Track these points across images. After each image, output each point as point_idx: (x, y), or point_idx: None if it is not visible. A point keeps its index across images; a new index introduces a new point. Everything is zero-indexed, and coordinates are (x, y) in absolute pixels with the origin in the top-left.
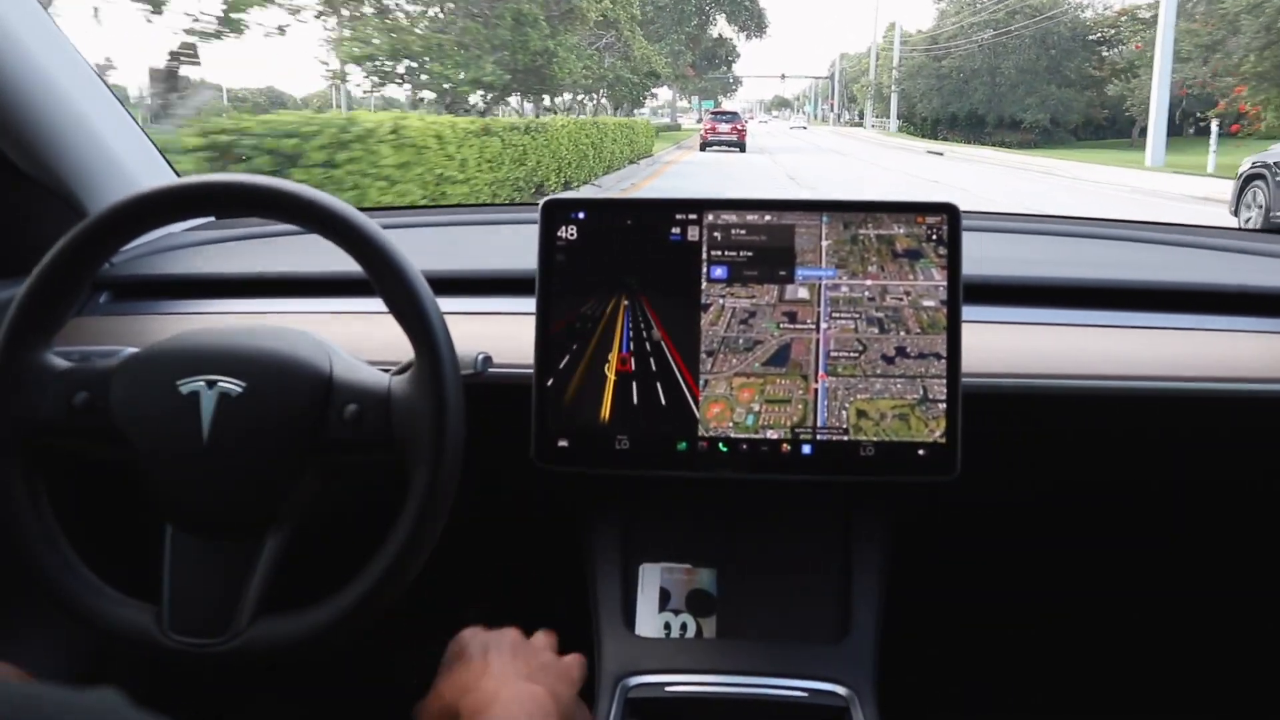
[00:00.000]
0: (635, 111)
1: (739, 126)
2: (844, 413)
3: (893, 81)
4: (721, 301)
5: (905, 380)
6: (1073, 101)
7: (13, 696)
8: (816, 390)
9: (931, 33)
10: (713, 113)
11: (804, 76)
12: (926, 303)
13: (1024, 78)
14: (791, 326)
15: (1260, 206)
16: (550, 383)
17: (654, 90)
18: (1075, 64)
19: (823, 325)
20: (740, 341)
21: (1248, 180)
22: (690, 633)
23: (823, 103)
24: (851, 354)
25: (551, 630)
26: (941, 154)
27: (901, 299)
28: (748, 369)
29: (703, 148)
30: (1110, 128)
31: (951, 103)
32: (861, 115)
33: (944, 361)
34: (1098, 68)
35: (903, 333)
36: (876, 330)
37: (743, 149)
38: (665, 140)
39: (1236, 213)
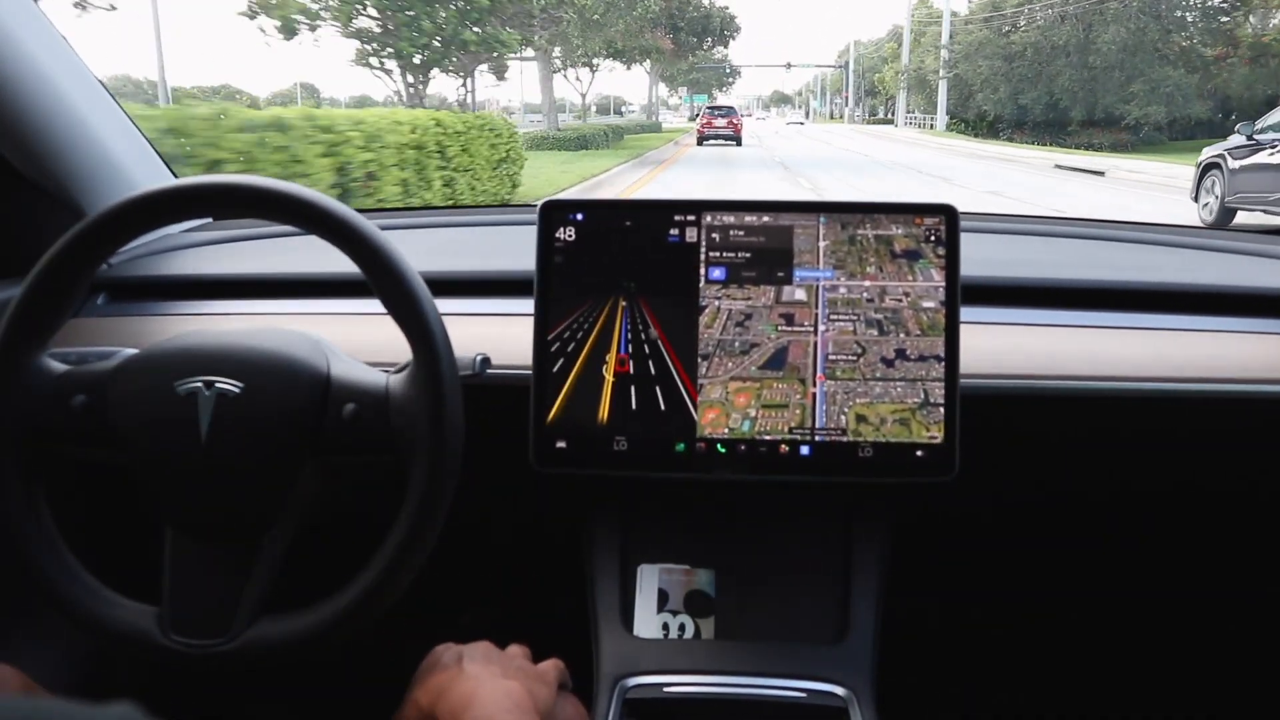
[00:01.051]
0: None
1: (735, 121)
2: (843, 417)
3: (941, 65)
4: (717, 303)
5: (905, 384)
6: (1189, 88)
7: (34, 713)
8: (815, 394)
9: None
10: (709, 107)
11: (812, 65)
12: (926, 304)
13: (1125, 57)
14: (789, 329)
15: (1216, 194)
16: (548, 384)
17: (517, 50)
18: (1183, 39)
19: (820, 327)
20: (736, 344)
21: (1206, 169)
22: (689, 633)
23: (836, 96)
24: (850, 357)
25: (548, 631)
26: (1102, 174)
27: (901, 300)
28: (744, 373)
29: (699, 142)
30: (1213, 124)
31: (1024, 91)
32: (876, 111)
33: (943, 363)
34: (1210, 44)
35: (902, 335)
36: (876, 332)
37: (739, 143)
38: (620, 153)
39: (1196, 198)
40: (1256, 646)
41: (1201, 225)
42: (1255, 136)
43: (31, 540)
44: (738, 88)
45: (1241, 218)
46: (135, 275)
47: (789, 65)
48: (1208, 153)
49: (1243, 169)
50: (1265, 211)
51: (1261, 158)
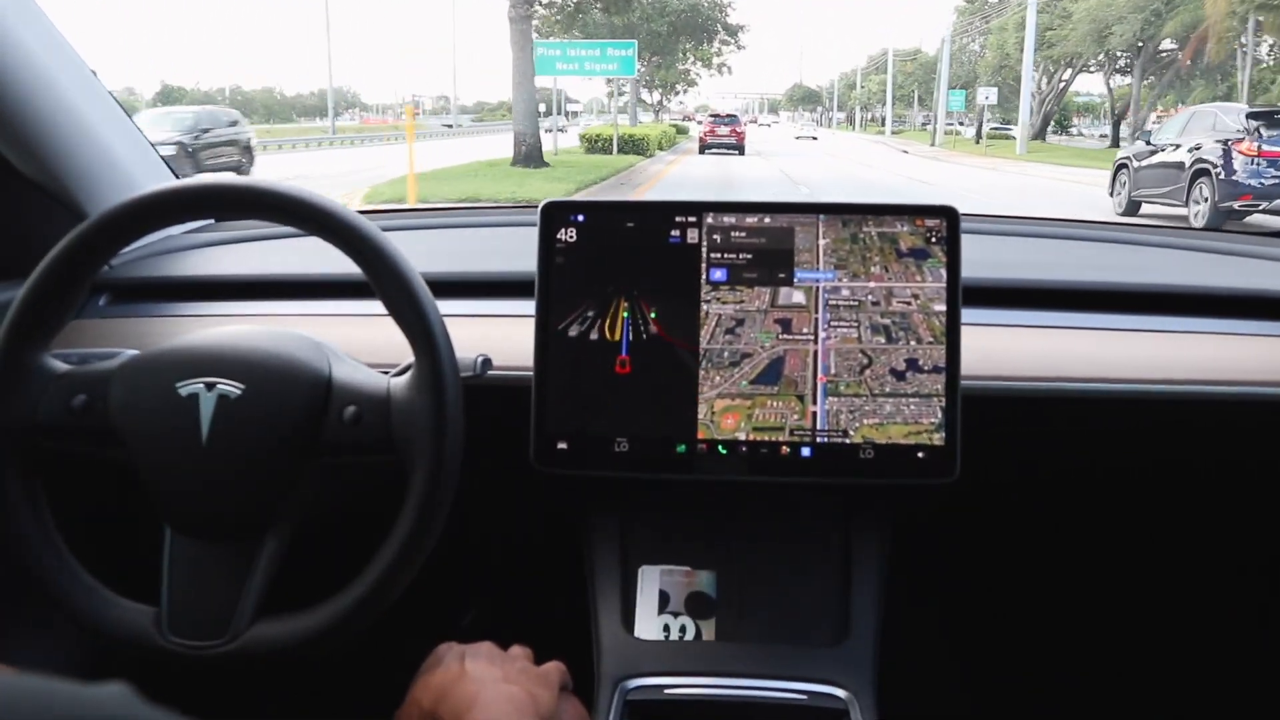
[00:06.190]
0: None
1: (737, 129)
2: (847, 442)
3: None
4: (706, 307)
5: (920, 400)
6: None
7: (24, 690)
8: (814, 414)
9: None
10: (712, 115)
11: None
12: (938, 308)
13: None
14: (787, 337)
15: (1126, 189)
16: (549, 385)
17: None
18: None
19: (821, 334)
20: (725, 354)
21: (1118, 168)
22: (690, 635)
23: (1001, 93)
24: (855, 369)
25: (550, 632)
26: None
27: (909, 303)
28: (733, 388)
29: (701, 150)
30: None
31: None
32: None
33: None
34: None
35: (913, 342)
36: (883, 339)
37: (741, 151)
38: None
39: (1112, 193)
40: (1258, 647)
41: (1196, 227)
42: (1151, 142)
43: (31, 540)
44: (731, 81)
45: (1145, 209)
46: (137, 276)
47: None
48: (1120, 155)
49: (1143, 168)
50: (1161, 203)
51: (1157, 159)
